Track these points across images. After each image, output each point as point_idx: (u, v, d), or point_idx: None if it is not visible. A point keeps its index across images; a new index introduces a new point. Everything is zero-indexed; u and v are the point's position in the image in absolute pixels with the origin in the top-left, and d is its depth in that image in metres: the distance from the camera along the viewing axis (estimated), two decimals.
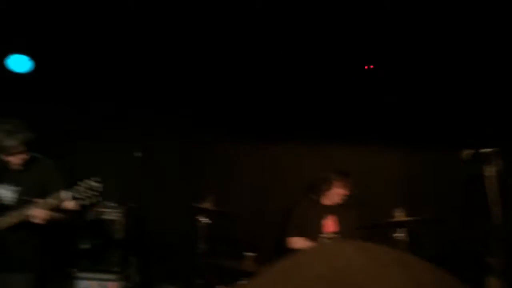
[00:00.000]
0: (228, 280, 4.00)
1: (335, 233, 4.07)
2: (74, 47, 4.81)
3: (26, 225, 3.22)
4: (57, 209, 3.24)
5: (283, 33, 4.57)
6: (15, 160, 3.27)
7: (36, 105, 4.86)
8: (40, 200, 3.15)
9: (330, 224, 4.22)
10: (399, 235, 3.86)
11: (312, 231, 4.15)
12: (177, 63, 5.00)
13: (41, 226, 3.27)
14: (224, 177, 5.05)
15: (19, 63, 4.78)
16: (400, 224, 3.84)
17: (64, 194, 3.09)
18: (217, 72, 5.04)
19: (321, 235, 4.13)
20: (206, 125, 5.10)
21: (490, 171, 3.21)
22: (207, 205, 4.01)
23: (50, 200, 3.14)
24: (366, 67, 4.98)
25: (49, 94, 5.00)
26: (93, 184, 3.02)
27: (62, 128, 4.98)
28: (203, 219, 4.04)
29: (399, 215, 3.83)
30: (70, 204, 3.28)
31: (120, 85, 5.09)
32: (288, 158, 5.18)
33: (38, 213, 3.15)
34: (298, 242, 4.16)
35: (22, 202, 3.27)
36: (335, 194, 4.24)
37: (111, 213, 4.62)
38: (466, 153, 3.31)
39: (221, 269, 3.95)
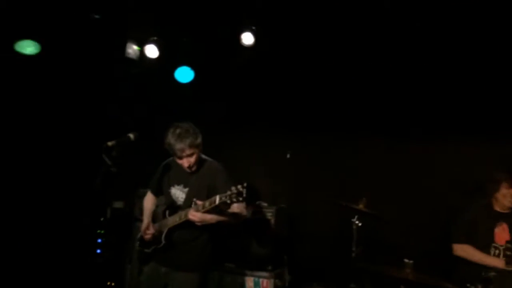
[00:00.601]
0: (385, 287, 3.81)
1: (509, 242, 3.55)
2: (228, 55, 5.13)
3: (193, 225, 3.41)
4: (220, 211, 3.39)
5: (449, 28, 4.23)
6: (186, 162, 3.47)
7: (198, 109, 5.29)
8: (199, 203, 3.33)
9: (503, 233, 3.73)
10: None
11: (482, 240, 3.73)
12: (328, 64, 4.96)
13: (207, 226, 3.45)
14: (378, 178, 4.80)
15: (184, 74, 5.26)
16: None
17: (216, 198, 3.23)
18: (370, 69, 4.84)
19: (494, 245, 3.70)
20: (358, 124, 4.94)
21: None
22: (360, 206, 3.88)
23: (205, 204, 3.30)
24: None
25: (208, 99, 5.41)
26: (240, 189, 3.12)
27: (221, 131, 5.34)
28: (357, 221, 3.90)
29: None
30: (234, 208, 3.40)
31: (275, 88, 5.23)
32: (444, 157, 4.69)
33: (193, 216, 3.32)
34: (466, 251, 3.77)
35: (189, 203, 3.47)
36: (505, 197, 3.74)
37: (264, 212, 4.76)
38: None
39: (377, 274, 3.76)
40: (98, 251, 5.18)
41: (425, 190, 4.61)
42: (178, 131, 3.40)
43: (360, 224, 3.91)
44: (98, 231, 5.15)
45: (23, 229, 4.78)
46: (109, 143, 3.04)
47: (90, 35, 4.63)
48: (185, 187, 3.60)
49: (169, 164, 3.72)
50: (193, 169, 3.52)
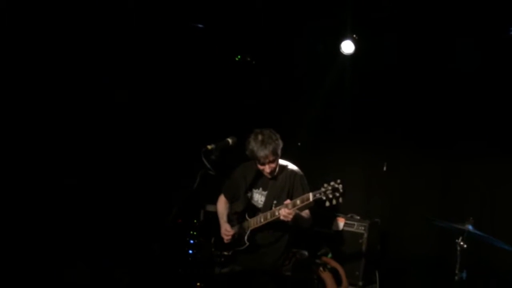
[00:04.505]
0: None
1: None
2: None
3: (275, 226, 3.47)
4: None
5: None
6: (268, 168, 3.51)
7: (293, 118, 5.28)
8: (288, 201, 3.33)
9: None
10: None
11: None
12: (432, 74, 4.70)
13: (289, 228, 3.47)
14: (489, 196, 4.42)
15: None
16: None
17: (309, 195, 3.20)
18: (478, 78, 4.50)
19: None
20: (462, 135, 4.58)
21: None
22: (466, 226, 3.57)
23: (296, 202, 3.28)
24: None
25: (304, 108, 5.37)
26: (336, 185, 3.04)
27: (316, 140, 5.29)
28: (461, 242, 3.59)
29: None
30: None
31: (374, 98, 5.06)
32: None
33: (283, 211, 3.30)
34: None
35: (269, 205, 3.53)
36: None
37: (356, 226, 4.60)
38: None
39: None
40: (190, 252, 5.34)
41: None
42: (260, 137, 3.45)
43: (465, 246, 3.59)
44: (191, 232, 5.30)
45: (121, 226, 5.06)
46: (209, 147, 3.09)
47: None
48: (264, 190, 3.65)
49: (244, 169, 3.78)
50: (274, 174, 3.57)
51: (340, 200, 3.05)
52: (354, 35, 4.58)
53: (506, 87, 4.34)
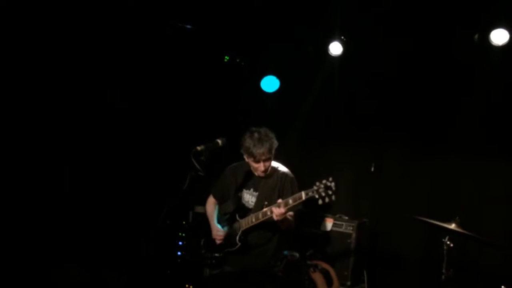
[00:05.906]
0: None
1: None
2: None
3: (266, 227, 3.48)
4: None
5: None
6: (262, 166, 3.52)
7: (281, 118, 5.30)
8: (280, 201, 3.33)
9: None
10: None
11: None
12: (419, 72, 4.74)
13: (278, 228, 3.48)
14: (475, 196, 4.47)
15: (270, 83, 5.31)
16: None
17: (301, 194, 3.21)
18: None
19: None
20: (450, 135, 4.61)
21: None
22: (452, 226, 3.62)
23: (289, 201, 3.29)
24: None
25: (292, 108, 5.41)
26: (328, 183, 3.06)
27: (304, 140, 5.31)
28: (448, 242, 3.65)
29: None
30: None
31: (360, 98, 5.08)
32: None
33: (275, 210, 3.31)
34: None
35: (260, 206, 3.53)
36: None
37: (344, 226, 4.62)
38: None
39: None
40: (179, 253, 5.31)
41: None
42: (256, 135, 3.47)
43: (451, 245, 3.64)
44: (180, 233, 5.28)
45: (108, 228, 5.03)
46: (198, 148, 3.09)
47: None
48: (255, 190, 3.66)
49: (235, 169, 3.78)
50: (268, 173, 3.57)
51: (333, 198, 3.05)
52: (342, 37, 4.61)
53: (494, 86, 4.39)
